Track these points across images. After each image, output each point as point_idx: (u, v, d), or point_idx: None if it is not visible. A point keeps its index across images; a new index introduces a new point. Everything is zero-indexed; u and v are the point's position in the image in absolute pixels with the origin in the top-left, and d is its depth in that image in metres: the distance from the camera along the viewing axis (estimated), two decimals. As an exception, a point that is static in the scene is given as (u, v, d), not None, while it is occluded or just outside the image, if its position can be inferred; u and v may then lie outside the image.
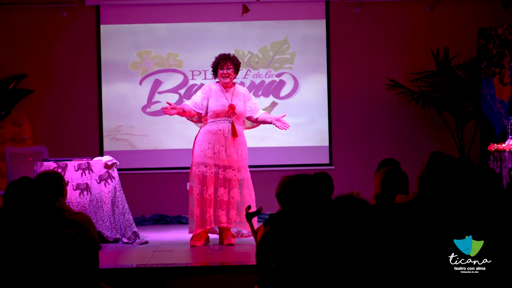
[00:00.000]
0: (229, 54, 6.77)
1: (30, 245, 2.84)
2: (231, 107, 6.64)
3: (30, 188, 4.16)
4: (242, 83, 8.78)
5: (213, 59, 6.79)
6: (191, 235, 6.71)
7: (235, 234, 6.80)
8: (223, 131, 6.62)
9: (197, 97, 6.76)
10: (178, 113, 6.72)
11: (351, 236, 3.17)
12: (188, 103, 6.81)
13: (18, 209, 4.07)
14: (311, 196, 4.15)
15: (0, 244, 3.32)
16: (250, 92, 8.77)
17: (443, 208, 3.42)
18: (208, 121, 6.70)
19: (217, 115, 6.65)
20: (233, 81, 6.86)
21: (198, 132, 6.79)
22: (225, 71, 6.68)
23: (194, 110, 6.74)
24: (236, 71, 6.78)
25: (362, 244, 3.16)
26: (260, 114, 6.82)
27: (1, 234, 3.65)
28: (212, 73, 6.82)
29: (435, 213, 3.37)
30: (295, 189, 4.35)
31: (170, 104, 6.66)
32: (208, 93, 6.74)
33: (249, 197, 6.70)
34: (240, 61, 6.86)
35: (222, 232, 6.72)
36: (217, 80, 6.81)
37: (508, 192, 3.80)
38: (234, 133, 6.63)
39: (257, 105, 6.89)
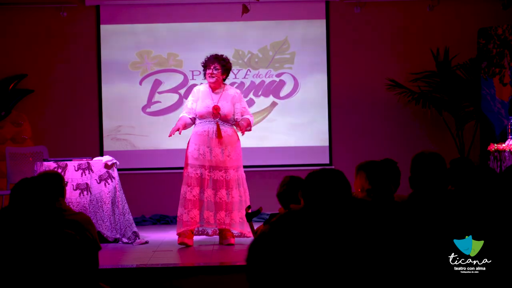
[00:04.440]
0: (221, 55, 6.78)
1: (30, 245, 2.84)
2: (215, 109, 6.63)
3: (33, 188, 4.17)
4: (242, 83, 8.79)
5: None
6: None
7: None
8: (208, 132, 6.63)
9: (189, 102, 6.81)
10: (184, 129, 6.73)
11: (352, 236, 3.17)
12: (185, 113, 6.82)
13: (21, 208, 4.07)
14: (315, 195, 4.15)
15: (1, 244, 3.32)
16: (250, 92, 8.80)
17: (442, 207, 3.42)
18: (196, 122, 6.74)
19: (202, 116, 6.67)
20: (227, 82, 6.88)
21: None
22: (211, 71, 6.68)
23: (190, 118, 6.78)
24: (225, 72, 6.75)
25: (362, 244, 3.16)
26: (242, 118, 6.76)
27: (2, 233, 3.65)
28: (203, 72, 6.83)
29: (434, 212, 3.37)
30: (295, 189, 4.36)
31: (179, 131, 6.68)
32: (196, 95, 6.76)
33: (240, 198, 6.68)
34: (231, 63, 6.85)
35: (222, 232, 6.72)
36: (206, 81, 6.83)
37: (508, 192, 3.80)
38: (218, 135, 6.62)
39: (246, 109, 6.83)
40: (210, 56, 6.76)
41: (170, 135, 6.70)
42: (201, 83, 6.96)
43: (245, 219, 6.67)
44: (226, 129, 6.68)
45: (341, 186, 3.39)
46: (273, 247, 2.32)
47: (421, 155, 3.68)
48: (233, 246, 6.64)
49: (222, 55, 6.78)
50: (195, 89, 6.90)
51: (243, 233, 6.73)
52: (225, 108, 6.66)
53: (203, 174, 6.63)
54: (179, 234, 6.69)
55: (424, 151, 3.77)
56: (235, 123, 6.73)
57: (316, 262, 2.78)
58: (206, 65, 6.74)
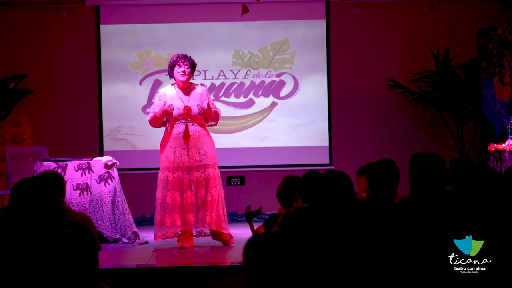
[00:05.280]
0: (186, 54, 6.68)
1: (31, 245, 2.84)
2: (186, 109, 6.56)
3: (34, 188, 4.17)
4: (242, 83, 8.79)
5: (169, 59, 6.73)
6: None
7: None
8: (182, 134, 6.56)
9: (156, 107, 6.66)
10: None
11: (355, 237, 3.17)
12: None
13: (21, 208, 4.07)
14: (316, 194, 4.15)
15: (2, 243, 3.32)
16: (250, 92, 8.80)
17: (442, 207, 3.42)
18: (168, 125, 6.64)
19: (174, 119, 6.58)
20: (195, 82, 6.82)
21: (162, 137, 6.73)
22: (183, 69, 6.59)
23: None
24: (192, 72, 6.69)
25: (364, 245, 3.16)
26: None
27: (2, 233, 3.65)
28: (167, 74, 6.74)
29: (434, 213, 3.37)
30: (295, 189, 4.36)
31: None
32: (164, 99, 6.63)
33: (218, 196, 6.63)
34: (196, 63, 6.75)
35: (217, 234, 6.68)
36: (172, 81, 6.73)
37: (508, 192, 3.79)
38: (185, 136, 6.54)
39: (214, 105, 6.74)
40: (179, 55, 6.65)
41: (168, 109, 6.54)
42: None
43: (225, 217, 6.66)
44: (199, 128, 6.61)
45: (346, 188, 3.40)
46: (272, 246, 2.31)
47: (419, 156, 3.68)
48: (232, 247, 6.61)
49: (189, 56, 6.70)
50: (160, 91, 6.76)
51: (220, 231, 6.67)
52: (195, 107, 6.58)
53: (181, 177, 6.56)
54: (179, 238, 6.64)
55: (422, 151, 3.77)
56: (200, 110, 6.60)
57: (318, 262, 2.78)
58: (176, 63, 6.61)
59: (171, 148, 6.58)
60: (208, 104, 6.60)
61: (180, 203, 6.56)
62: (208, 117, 6.62)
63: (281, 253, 2.30)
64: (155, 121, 6.66)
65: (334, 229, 3.19)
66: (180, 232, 6.64)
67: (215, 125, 6.80)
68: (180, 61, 6.61)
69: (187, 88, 6.67)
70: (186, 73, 6.61)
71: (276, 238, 2.32)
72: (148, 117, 6.74)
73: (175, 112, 6.56)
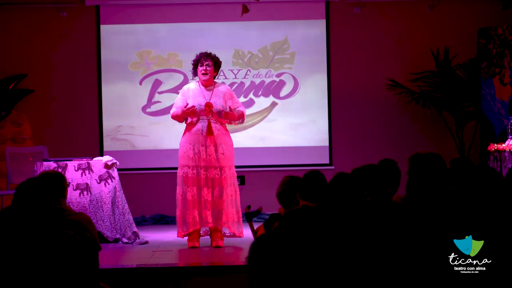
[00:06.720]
0: (210, 52, 6.73)
1: (31, 245, 2.84)
2: (208, 105, 6.57)
3: (36, 188, 4.17)
4: (242, 83, 8.79)
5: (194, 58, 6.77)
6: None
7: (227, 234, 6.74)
8: (202, 130, 6.56)
9: (179, 101, 6.70)
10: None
11: (356, 237, 3.17)
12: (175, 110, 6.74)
13: (23, 208, 4.08)
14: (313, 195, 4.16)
15: (2, 243, 3.32)
16: (250, 92, 8.80)
17: (442, 207, 3.42)
18: (188, 121, 6.66)
19: (196, 115, 6.59)
20: (217, 81, 6.83)
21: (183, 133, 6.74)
22: (204, 68, 6.61)
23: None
24: (216, 70, 6.71)
25: (365, 245, 3.16)
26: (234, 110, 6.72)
27: (4, 233, 3.65)
28: (192, 71, 6.77)
29: (434, 213, 3.37)
30: (295, 189, 4.37)
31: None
32: (187, 94, 6.68)
33: (232, 196, 6.63)
34: (221, 61, 6.79)
35: (212, 233, 6.68)
36: (197, 79, 6.78)
37: (508, 192, 3.79)
38: (209, 132, 6.55)
39: (238, 103, 6.78)
40: (202, 53, 6.70)
41: (190, 109, 6.56)
42: (197, 81, 6.86)
43: (240, 218, 6.67)
44: (219, 126, 6.62)
45: (358, 190, 3.42)
46: (276, 246, 2.32)
47: (419, 157, 3.67)
48: (221, 248, 6.58)
49: (214, 54, 6.74)
50: (184, 87, 6.81)
51: (235, 234, 6.68)
52: (218, 104, 6.60)
53: (199, 173, 6.57)
54: (188, 238, 6.62)
55: (419, 152, 3.77)
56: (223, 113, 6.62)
57: (319, 261, 2.78)
58: (198, 61, 6.66)
59: (190, 145, 6.59)
60: (230, 108, 6.63)
61: (198, 199, 6.57)
62: (231, 119, 6.66)
63: (288, 253, 2.30)
64: (177, 118, 6.71)
65: (342, 228, 3.20)
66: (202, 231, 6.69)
67: (242, 123, 6.87)
68: (202, 59, 6.65)
69: (210, 86, 6.69)
70: (208, 71, 6.63)
71: (283, 238, 2.32)
72: (171, 112, 6.76)
73: (197, 107, 6.57)
